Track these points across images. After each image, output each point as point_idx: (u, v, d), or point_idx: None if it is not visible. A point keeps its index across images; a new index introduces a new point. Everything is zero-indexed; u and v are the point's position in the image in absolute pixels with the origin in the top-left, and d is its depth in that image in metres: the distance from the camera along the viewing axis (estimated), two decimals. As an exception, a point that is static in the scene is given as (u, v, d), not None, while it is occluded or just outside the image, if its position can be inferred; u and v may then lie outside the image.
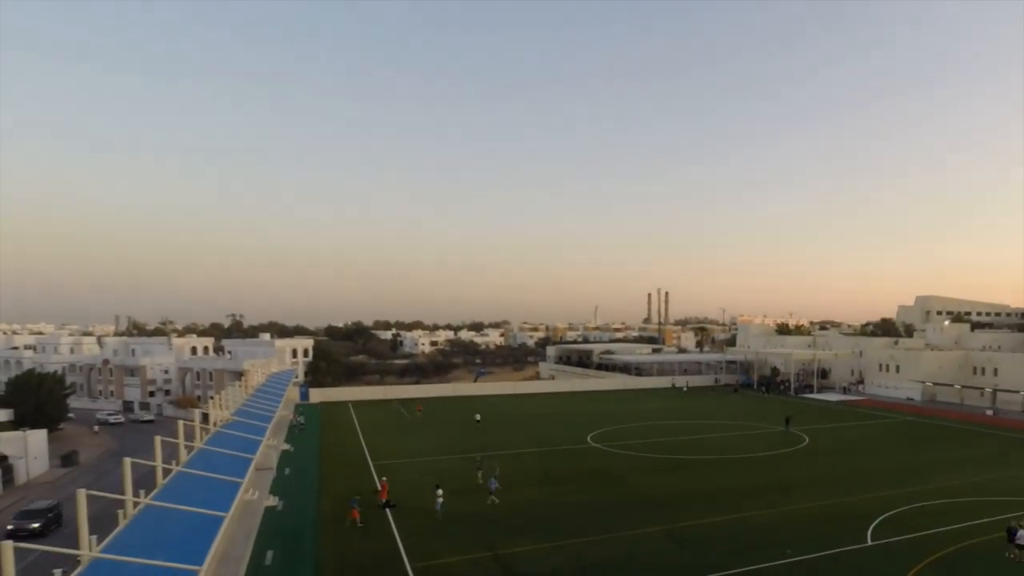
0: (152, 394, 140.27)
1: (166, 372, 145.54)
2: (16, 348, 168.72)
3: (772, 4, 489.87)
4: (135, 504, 18.04)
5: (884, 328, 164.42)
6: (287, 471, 48.22)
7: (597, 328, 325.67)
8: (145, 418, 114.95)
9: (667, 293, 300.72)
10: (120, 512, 17.83)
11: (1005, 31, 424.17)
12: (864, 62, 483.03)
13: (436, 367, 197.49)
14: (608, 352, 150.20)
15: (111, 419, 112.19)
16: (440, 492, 40.26)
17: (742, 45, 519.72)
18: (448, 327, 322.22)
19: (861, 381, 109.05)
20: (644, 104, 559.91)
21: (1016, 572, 30.42)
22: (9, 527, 47.45)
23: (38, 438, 76.64)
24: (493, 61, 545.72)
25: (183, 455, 25.30)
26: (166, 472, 22.19)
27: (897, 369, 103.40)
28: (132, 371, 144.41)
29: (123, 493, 17.69)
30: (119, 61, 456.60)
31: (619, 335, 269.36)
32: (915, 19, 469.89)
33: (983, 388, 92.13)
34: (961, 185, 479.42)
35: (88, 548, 13.59)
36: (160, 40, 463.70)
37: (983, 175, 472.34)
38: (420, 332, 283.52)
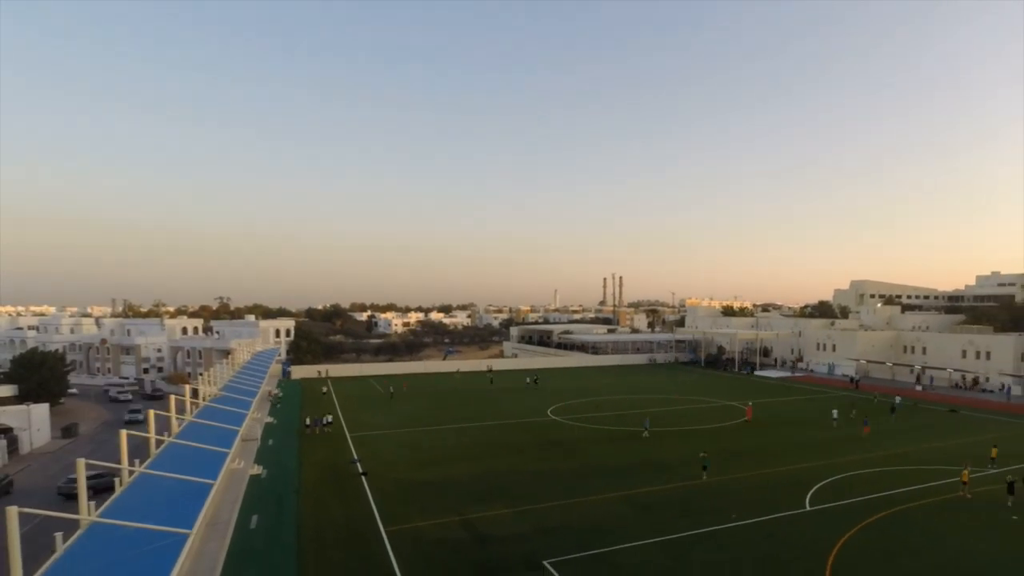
0: (146, 371, 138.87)
1: (159, 351, 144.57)
2: (20, 328, 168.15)
3: (740, 9, 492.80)
4: (130, 472, 18.16)
5: (821, 310, 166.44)
6: (270, 442, 48.18)
7: (557, 310, 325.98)
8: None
9: (621, 278, 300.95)
10: (117, 480, 17.92)
11: (954, 38, 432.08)
12: (803, 67, 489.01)
13: (408, 346, 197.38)
14: (567, 332, 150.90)
15: (120, 396, 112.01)
16: None
17: (691, 53, 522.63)
18: (419, 309, 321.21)
19: (800, 359, 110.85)
20: (601, 108, 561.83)
21: (935, 533, 31.04)
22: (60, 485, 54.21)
23: (41, 411, 76.61)
24: (466, 68, 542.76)
25: (175, 427, 25.35)
26: (159, 443, 22.26)
27: (834, 348, 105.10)
28: (128, 350, 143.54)
29: (119, 462, 17.78)
30: (116, 63, 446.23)
31: (577, 316, 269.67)
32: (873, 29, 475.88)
33: (912, 365, 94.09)
34: (893, 179, 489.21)
35: (87, 513, 13.74)
36: (156, 41, 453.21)
37: (915, 170, 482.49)
38: (393, 314, 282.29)
